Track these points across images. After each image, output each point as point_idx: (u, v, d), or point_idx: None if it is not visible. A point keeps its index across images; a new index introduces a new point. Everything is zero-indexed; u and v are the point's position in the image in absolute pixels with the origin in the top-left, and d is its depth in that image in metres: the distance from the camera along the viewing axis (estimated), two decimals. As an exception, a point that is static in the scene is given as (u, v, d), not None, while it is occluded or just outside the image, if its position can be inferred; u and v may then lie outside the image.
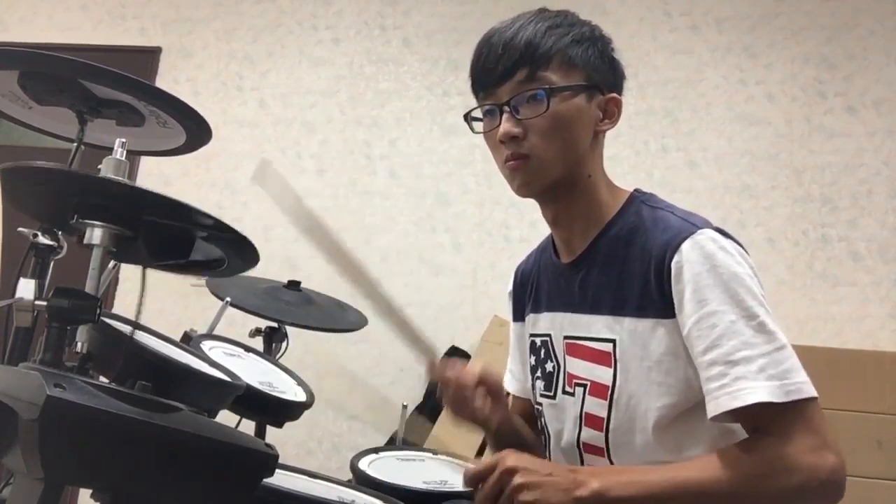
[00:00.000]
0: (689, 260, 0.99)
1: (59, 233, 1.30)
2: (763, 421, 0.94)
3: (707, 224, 1.04)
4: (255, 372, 1.51)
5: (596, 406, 1.08)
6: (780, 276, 3.09)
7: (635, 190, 1.15)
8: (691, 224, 1.03)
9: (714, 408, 0.95)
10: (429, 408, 2.93)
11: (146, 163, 3.67)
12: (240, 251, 1.10)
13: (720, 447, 0.98)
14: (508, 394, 1.32)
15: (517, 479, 0.91)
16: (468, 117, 1.14)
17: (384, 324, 1.09)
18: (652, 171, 3.30)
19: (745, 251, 1.04)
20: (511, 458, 0.93)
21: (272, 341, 1.98)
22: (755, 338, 0.95)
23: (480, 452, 2.54)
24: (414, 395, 3.04)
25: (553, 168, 1.07)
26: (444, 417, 2.82)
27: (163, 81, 3.72)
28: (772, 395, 0.92)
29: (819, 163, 3.19)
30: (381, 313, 1.09)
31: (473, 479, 0.95)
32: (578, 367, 1.11)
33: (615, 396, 1.06)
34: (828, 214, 3.15)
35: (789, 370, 0.94)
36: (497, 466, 0.93)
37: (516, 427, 1.25)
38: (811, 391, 0.94)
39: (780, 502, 0.94)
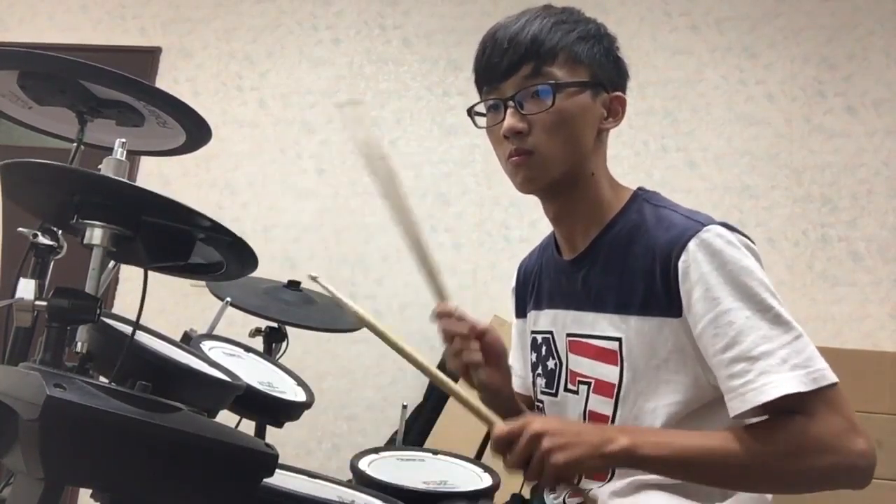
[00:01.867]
0: (696, 259, 0.99)
1: (59, 233, 1.30)
2: (791, 410, 0.93)
3: (711, 220, 1.03)
4: (254, 372, 1.51)
5: (601, 404, 1.08)
6: (780, 276, 3.09)
7: (638, 188, 1.15)
8: (696, 222, 1.02)
9: (739, 404, 0.94)
10: (428, 408, 2.92)
11: (146, 163, 3.67)
12: (238, 255, 1.10)
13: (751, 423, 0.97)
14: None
15: (546, 443, 0.90)
16: (472, 112, 1.14)
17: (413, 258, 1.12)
18: (652, 171, 3.30)
19: (752, 242, 1.04)
20: (537, 422, 0.92)
21: (272, 341, 1.99)
22: (773, 330, 0.95)
23: (481, 453, 2.53)
24: (414, 395, 3.03)
25: (556, 164, 1.06)
26: (444, 418, 2.82)
27: (163, 81, 3.72)
28: (799, 384, 0.91)
29: (819, 163, 3.19)
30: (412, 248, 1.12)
31: (501, 444, 0.93)
32: (582, 364, 1.11)
33: (622, 394, 1.05)
34: (828, 214, 3.14)
35: (811, 358, 0.94)
36: (524, 431, 0.91)
37: (518, 403, 1.24)
38: (833, 377, 0.93)
39: (808, 481, 0.94)
